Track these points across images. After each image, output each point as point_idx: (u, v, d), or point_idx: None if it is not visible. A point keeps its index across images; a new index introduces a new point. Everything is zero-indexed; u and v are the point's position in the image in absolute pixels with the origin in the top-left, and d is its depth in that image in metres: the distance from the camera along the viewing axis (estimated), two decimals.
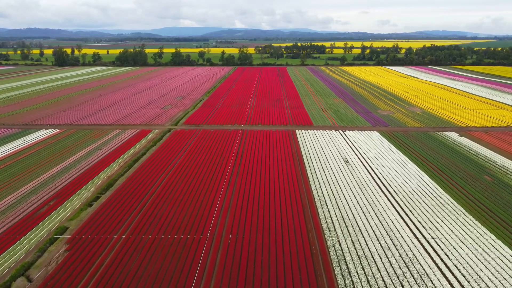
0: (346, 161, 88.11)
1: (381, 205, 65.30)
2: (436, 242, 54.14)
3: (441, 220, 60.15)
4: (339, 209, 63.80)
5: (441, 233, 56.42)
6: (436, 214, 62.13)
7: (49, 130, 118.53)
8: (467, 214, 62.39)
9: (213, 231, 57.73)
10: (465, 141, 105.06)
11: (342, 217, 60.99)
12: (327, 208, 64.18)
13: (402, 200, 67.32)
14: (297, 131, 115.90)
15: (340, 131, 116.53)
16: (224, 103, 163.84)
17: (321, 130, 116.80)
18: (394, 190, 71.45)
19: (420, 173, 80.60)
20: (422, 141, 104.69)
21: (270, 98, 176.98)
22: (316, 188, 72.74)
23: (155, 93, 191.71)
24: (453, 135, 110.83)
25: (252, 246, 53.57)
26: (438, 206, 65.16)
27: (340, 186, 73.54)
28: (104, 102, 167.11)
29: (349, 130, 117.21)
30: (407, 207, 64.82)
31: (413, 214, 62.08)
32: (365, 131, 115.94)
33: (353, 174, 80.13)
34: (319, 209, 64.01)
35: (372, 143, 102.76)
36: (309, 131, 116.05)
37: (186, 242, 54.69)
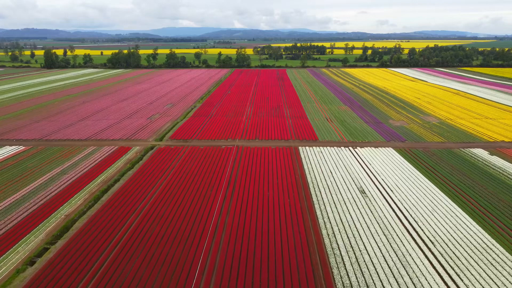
0: (362, 192, 72.10)
1: (417, 264, 49.29)
2: None
3: None
4: (361, 271, 47.72)
5: None
6: (493, 280, 46.16)
7: (13, 147, 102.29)
8: None
9: None
10: (498, 161, 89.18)
11: (367, 287, 44.95)
12: (346, 270, 48.11)
13: (442, 255, 51.32)
14: (300, 148, 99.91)
15: (350, 147, 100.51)
16: (218, 111, 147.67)
17: (328, 147, 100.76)
18: (429, 238, 55.44)
19: (457, 210, 64.60)
20: (448, 162, 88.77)
21: (269, 105, 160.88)
22: (328, 234, 56.71)
23: (144, 100, 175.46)
24: (482, 153, 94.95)
25: None
26: (492, 265, 49.21)
27: (359, 231, 57.51)
28: (85, 110, 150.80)
29: (360, 147, 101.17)
30: (452, 267, 48.82)
31: (462, 280, 46.07)
32: (379, 148, 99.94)
33: (373, 211, 64.11)
34: (335, 271, 47.98)
35: (390, 165, 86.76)
36: (314, 148, 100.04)
37: None
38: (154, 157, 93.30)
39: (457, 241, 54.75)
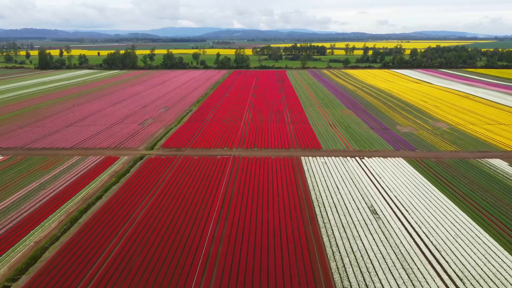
0: (374, 212, 64.10)
1: None
2: None
3: None
4: None
5: None
6: None
7: None
8: None
9: None
10: None
11: None
12: None
13: None
14: (302, 158, 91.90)
15: (357, 158, 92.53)
16: (214, 116, 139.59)
17: (333, 157, 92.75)
18: (456, 274, 47.39)
19: (483, 235, 56.55)
20: (465, 175, 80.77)
21: (268, 109, 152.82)
22: (338, 267, 48.67)
23: (137, 103, 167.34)
24: (501, 164, 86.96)
25: None
26: None
27: (373, 263, 49.46)
28: (75, 115, 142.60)
29: (367, 157, 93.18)
30: None
31: None
32: (388, 158, 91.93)
33: (388, 237, 56.06)
34: None
35: (402, 179, 78.71)
36: (317, 158, 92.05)
37: None
38: (142, 168, 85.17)
39: (489, 277, 46.74)
